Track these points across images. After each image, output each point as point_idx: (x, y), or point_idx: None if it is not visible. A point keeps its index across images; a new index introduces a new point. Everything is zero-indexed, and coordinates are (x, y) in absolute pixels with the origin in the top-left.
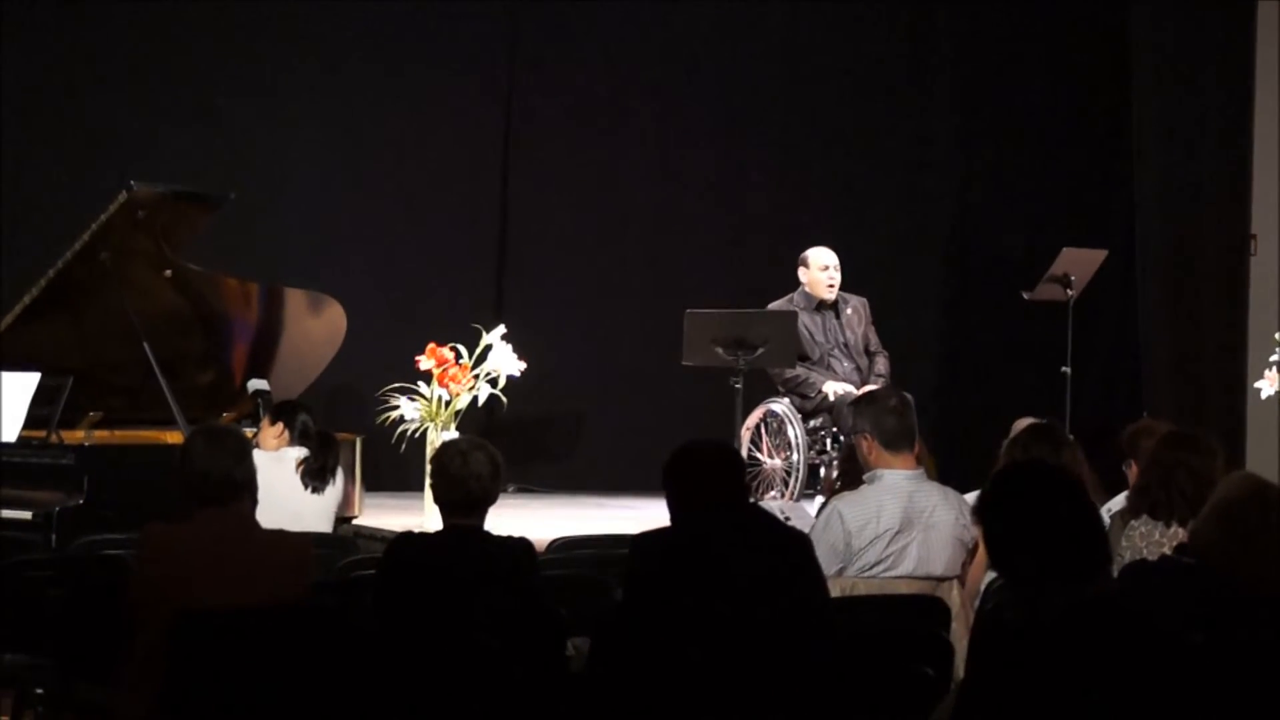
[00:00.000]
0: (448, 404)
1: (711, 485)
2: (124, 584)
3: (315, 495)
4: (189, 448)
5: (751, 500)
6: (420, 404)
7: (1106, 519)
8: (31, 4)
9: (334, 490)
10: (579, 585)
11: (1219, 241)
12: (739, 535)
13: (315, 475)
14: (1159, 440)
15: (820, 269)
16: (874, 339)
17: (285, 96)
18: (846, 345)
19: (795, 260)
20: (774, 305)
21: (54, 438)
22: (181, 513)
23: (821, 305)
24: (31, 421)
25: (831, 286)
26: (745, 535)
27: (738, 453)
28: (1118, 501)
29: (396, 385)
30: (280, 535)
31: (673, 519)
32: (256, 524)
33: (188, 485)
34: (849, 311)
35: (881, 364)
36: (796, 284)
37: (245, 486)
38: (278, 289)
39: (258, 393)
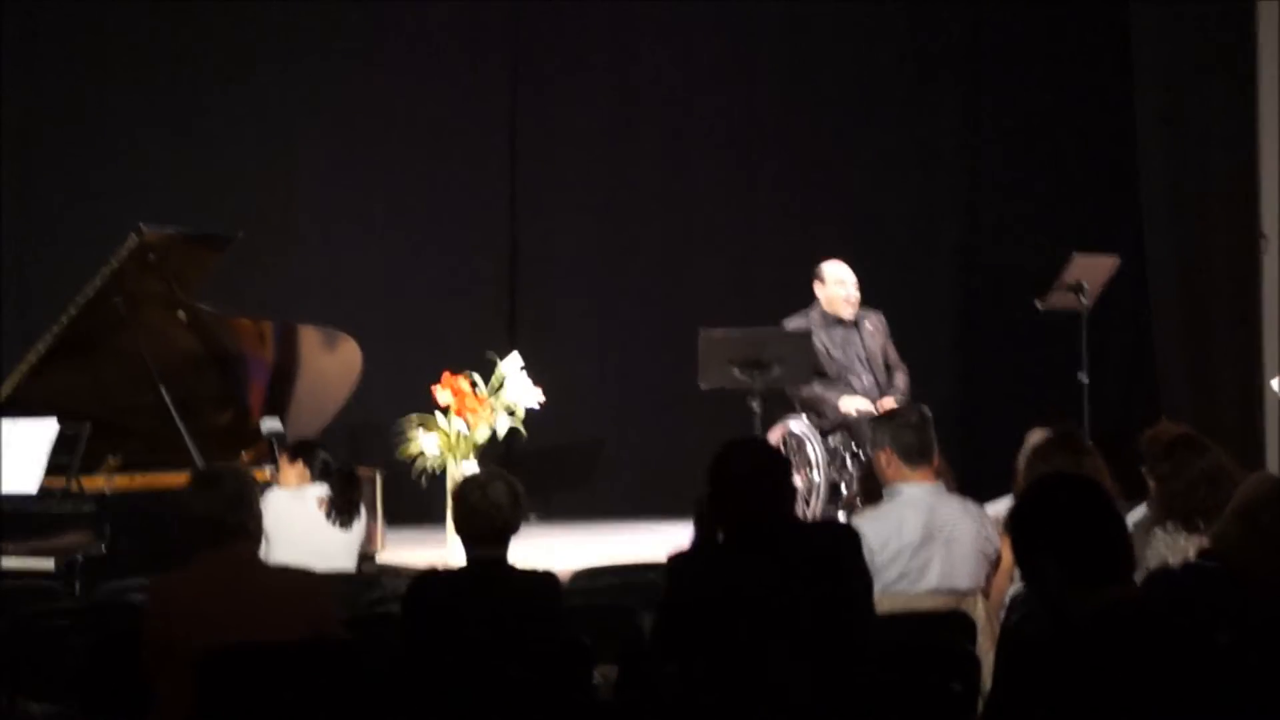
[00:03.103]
0: (466, 436)
1: (754, 494)
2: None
3: (340, 530)
4: (182, 493)
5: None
6: (438, 436)
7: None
8: (37, 49)
9: (357, 526)
10: (604, 614)
11: (1229, 242)
12: (776, 557)
13: (342, 510)
14: (1160, 451)
15: (836, 284)
16: (893, 354)
17: (290, 133)
18: (867, 360)
19: (806, 278)
20: (791, 320)
21: (74, 485)
22: (184, 559)
23: (840, 320)
24: (50, 469)
25: (849, 302)
26: (783, 555)
27: (780, 455)
28: (1139, 510)
29: (414, 418)
30: (284, 572)
31: (704, 529)
32: (259, 563)
33: (183, 530)
34: (869, 326)
35: (901, 379)
36: (812, 298)
37: (241, 528)
38: (291, 327)
39: (271, 433)
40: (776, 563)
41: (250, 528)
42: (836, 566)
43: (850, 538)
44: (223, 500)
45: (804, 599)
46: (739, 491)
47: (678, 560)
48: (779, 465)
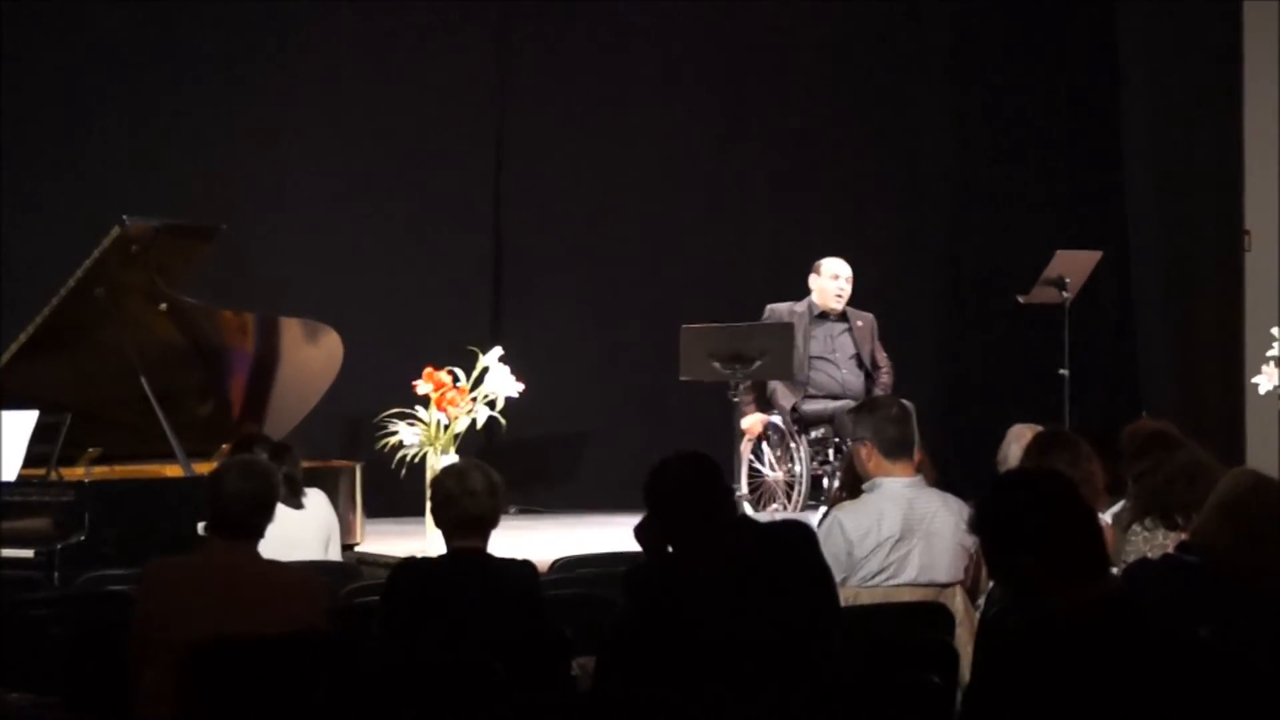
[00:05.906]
0: (446, 428)
1: (692, 502)
2: (128, 620)
3: (295, 511)
4: (221, 475)
5: (739, 513)
6: (419, 429)
7: (1109, 520)
8: (22, 43)
9: (314, 507)
10: (583, 604)
11: (1213, 238)
12: (727, 563)
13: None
14: (1136, 447)
15: (830, 278)
16: (880, 355)
17: (276, 125)
18: (856, 357)
19: (790, 274)
20: (776, 306)
21: (54, 475)
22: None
23: (826, 315)
24: (31, 459)
25: (839, 297)
26: (734, 561)
27: (709, 462)
28: (1118, 506)
29: (395, 410)
30: (280, 566)
31: (653, 546)
32: (258, 556)
33: (207, 511)
34: (859, 324)
35: (885, 379)
36: (801, 293)
37: (257, 531)
38: (273, 319)
39: None
40: (728, 569)
41: (263, 531)
42: (791, 564)
43: (804, 534)
44: (256, 500)
45: (760, 601)
46: (674, 508)
47: (636, 575)
48: (708, 474)
